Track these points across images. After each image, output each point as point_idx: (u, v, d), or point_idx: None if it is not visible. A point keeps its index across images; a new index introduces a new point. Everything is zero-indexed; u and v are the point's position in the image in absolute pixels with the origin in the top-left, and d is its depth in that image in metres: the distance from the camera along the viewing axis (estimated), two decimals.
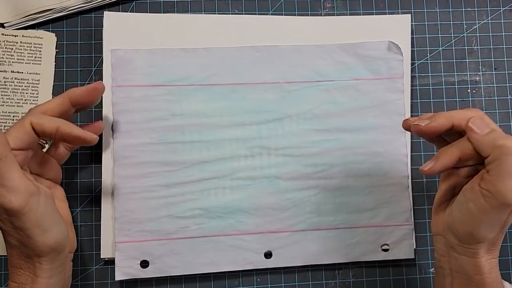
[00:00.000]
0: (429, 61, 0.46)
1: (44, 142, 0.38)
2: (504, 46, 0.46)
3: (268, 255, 0.42)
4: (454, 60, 0.46)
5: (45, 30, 0.43)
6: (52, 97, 0.43)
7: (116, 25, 0.42)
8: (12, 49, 0.42)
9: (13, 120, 0.42)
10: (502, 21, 0.47)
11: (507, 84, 0.46)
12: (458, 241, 0.33)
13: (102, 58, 0.42)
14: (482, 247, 0.33)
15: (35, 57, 0.43)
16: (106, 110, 0.42)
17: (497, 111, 0.46)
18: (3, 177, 0.30)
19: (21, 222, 0.31)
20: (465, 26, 0.47)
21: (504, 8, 0.47)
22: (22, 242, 0.32)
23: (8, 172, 0.30)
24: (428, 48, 0.46)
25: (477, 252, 0.33)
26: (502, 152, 0.30)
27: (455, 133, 0.34)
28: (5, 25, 0.42)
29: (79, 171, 0.42)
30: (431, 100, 0.45)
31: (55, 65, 0.43)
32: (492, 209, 0.30)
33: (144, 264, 0.41)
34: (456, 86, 0.46)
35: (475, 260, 0.33)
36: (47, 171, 0.37)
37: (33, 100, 0.42)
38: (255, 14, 0.45)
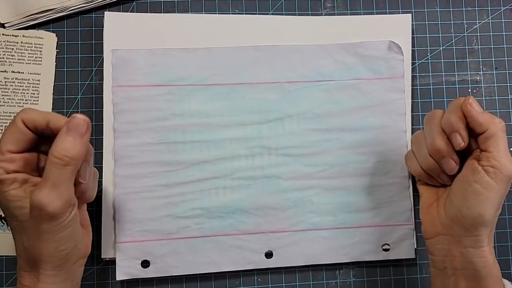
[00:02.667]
0: (429, 61, 0.46)
1: None
2: (505, 46, 0.46)
3: (268, 255, 0.42)
4: (455, 60, 0.46)
5: (46, 30, 0.43)
6: (53, 97, 0.43)
7: (116, 25, 0.42)
8: (12, 49, 0.42)
9: None
10: (503, 20, 0.47)
11: (508, 84, 0.46)
12: (464, 230, 0.34)
13: (103, 58, 0.42)
14: (485, 232, 0.34)
15: (35, 57, 0.43)
16: (107, 110, 0.42)
17: (497, 110, 0.46)
18: (59, 180, 0.30)
19: (45, 226, 0.31)
20: (465, 26, 0.47)
21: (504, 8, 0.47)
22: (28, 247, 0.32)
23: (66, 178, 0.30)
24: (428, 48, 0.46)
25: (482, 239, 0.34)
26: (500, 129, 0.33)
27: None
28: (5, 25, 0.42)
29: None
30: (432, 100, 0.45)
31: (56, 65, 0.43)
32: (497, 183, 0.32)
33: (145, 264, 0.41)
34: (457, 86, 0.46)
35: (481, 250, 0.34)
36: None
37: (33, 100, 0.42)
38: (256, 14, 0.45)
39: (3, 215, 0.41)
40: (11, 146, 0.32)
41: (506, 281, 0.35)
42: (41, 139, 0.33)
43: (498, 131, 0.33)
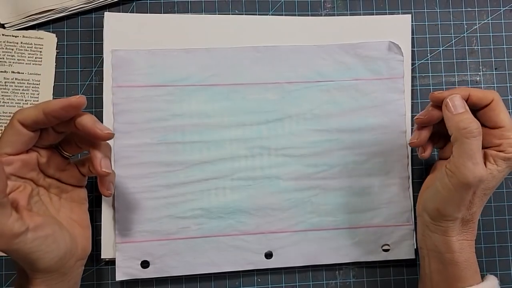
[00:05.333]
0: (429, 61, 0.46)
1: (68, 155, 0.36)
2: (505, 46, 0.46)
3: (268, 255, 0.42)
4: (455, 60, 0.46)
5: (46, 31, 0.43)
6: (53, 98, 0.43)
7: (116, 26, 0.42)
8: (12, 49, 0.42)
9: None
10: (503, 21, 0.47)
11: (508, 84, 0.46)
12: (430, 219, 0.36)
13: (103, 58, 0.42)
14: (451, 225, 0.35)
15: (35, 58, 0.43)
16: (107, 111, 0.42)
17: None
18: None
19: (10, 255, 0.31)
20: (465, 26, 0.47)
21: (504, 8, 0.47)
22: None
23: None
24: (428, 48, 0.46)
25: (447, 230, 0.35)
26: (463, 135, 0.32)
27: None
28: (5, 25, 0.42)
29: None
30: None
31: (56, 65, 0.43)
32: (454, 187, 0.33)
33: (145, 264, 0.41)
34: (457, 86, 0.46)
35: (446, 238, 0.35)
36: (66, 177, 0.36)
37: (33, 101, 0.42)
38: (256, 14, 0.45)
39: None
40: (9, 149, 0.32)
41: (490, 276, 0.37)
42: (42, 135, 0.33)
43: (462, 137, 0.33)
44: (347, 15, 0.46)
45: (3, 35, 0.42)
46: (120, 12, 0.44)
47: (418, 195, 0.40)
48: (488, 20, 0.47)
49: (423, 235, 0.38)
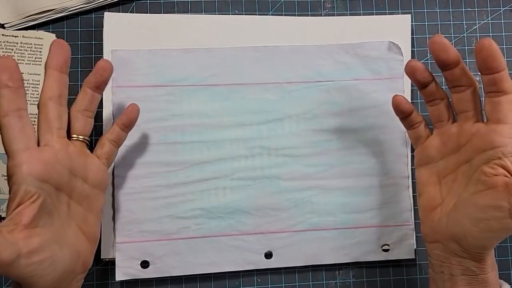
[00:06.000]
0: (429, 61, 0.46)
1: (87, 140, 0.35)
2: (504, 46, 0.46)
3: (268, 255, 0.42)
4: None
5: (46, 31, 0.43)
6: None
7: (116, 26, 0.42)
8: (12, 49, 0.42)
9: None
10: (502, 21, 0.47)
11: None
12: (465, 249, 0.33)
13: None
14: (489, 253, 0.33)
15: (35, 58, 0.43)
16: (107, 111, 0.42)
17: None
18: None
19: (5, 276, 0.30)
20: (465, 26, 0.47)
21: (504, 8, 0.47)
22: None
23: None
24: (428, 48, 0.46)
25: (484, 257, 0.33)
26: None
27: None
28: (5, 25, 0.42)
29: None
30: None
31: None
32: None
33: (145, 264, 0.41)
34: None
35: (481, 263, 0.33)
36: (91, 174, 0.35)
37: (33, 101, 0.42)
38: (255, 14, 0.45)
39: (2, 216, 0.41)
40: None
41: (502, 282, 0.35)
42: None
43: None
44: (347, 15, 0.46)
45: (3, 35, 0.42)
46: (120, 12, 0.44)
47: (419, 202, 0.37)
48: (488, 20, 0.47)
49: (446, 262, 0.34)
